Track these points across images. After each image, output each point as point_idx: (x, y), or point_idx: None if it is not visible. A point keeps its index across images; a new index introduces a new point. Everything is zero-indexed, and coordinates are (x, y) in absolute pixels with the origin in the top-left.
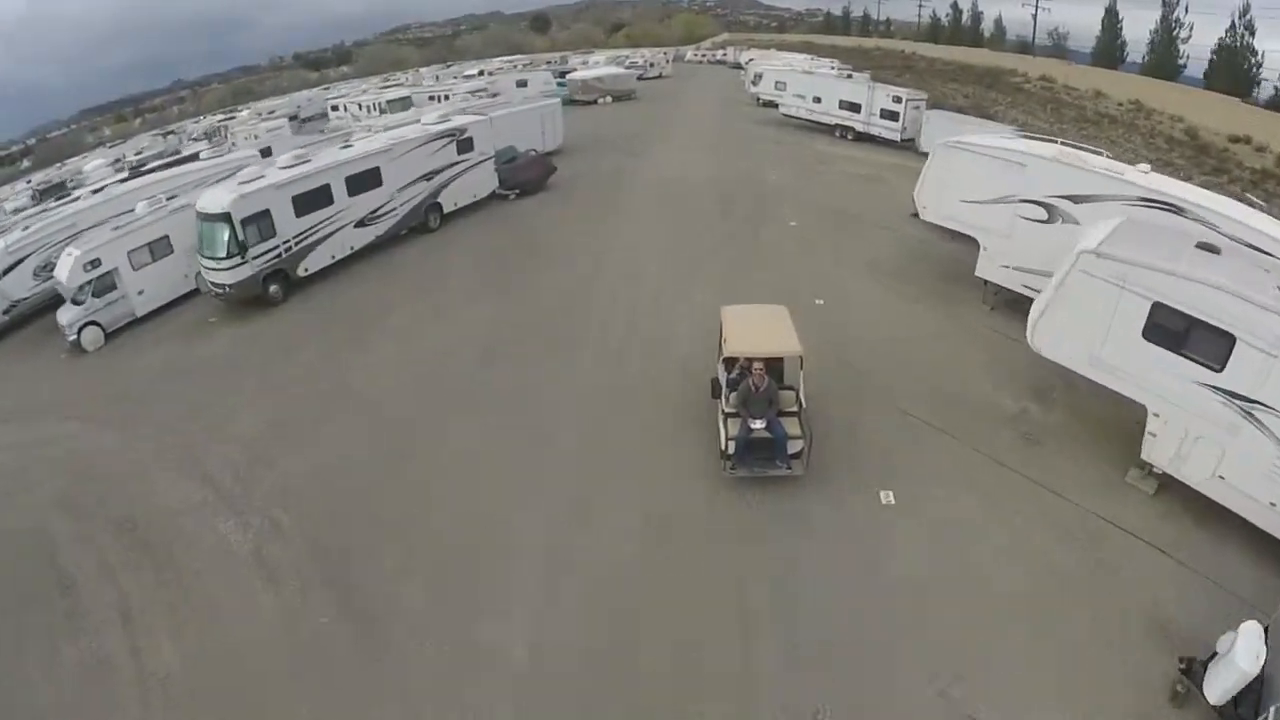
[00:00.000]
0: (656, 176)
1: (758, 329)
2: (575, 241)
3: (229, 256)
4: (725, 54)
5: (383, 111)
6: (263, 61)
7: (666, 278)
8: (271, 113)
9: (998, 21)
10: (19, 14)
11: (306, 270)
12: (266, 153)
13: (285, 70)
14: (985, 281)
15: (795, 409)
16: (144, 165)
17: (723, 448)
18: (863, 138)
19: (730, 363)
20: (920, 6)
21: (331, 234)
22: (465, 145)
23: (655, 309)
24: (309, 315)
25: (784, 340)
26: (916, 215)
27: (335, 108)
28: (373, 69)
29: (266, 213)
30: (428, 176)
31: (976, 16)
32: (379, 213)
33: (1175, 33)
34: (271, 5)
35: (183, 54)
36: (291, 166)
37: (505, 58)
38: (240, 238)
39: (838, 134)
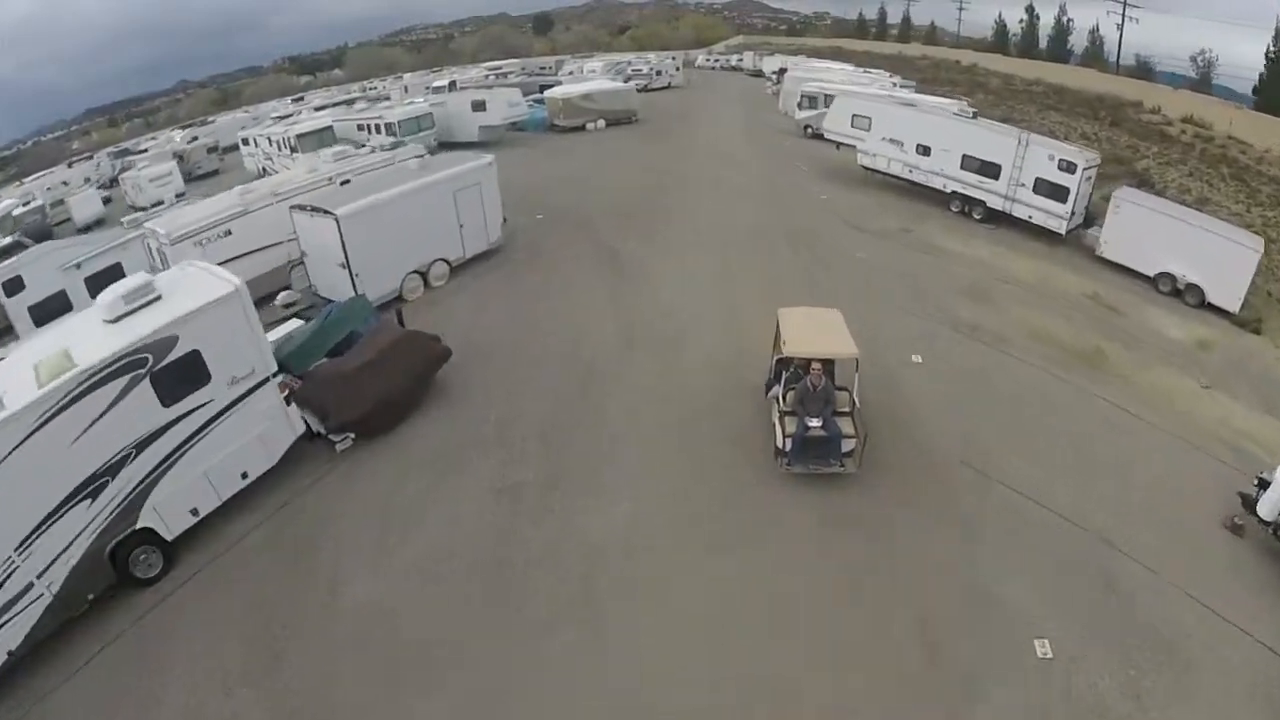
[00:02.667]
0: (670, 334)
1: (815, 330)
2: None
3: None
4: (741, 59)
5: (294, 150)
6: (265, 63)
7: None
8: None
9: (1093, 33)
10: (25, 14)
11: None
12: None
13: (274, 74)
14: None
15: (849, 409)
16: None
17: (779, 445)
18: (993, 217)
19: (784, 363)
20: (961, 9)
21: None
22: (185, 374)
23: None
24: None
25: (841, 342)
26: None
27: (246, 141)
28: (364, 73)
29: None
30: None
31: (1064, 25)
32: None
33: None
34: (280, 6)
35: (190, 55)
36: None
37: (489, 65)
38: None
39: (955, 208)
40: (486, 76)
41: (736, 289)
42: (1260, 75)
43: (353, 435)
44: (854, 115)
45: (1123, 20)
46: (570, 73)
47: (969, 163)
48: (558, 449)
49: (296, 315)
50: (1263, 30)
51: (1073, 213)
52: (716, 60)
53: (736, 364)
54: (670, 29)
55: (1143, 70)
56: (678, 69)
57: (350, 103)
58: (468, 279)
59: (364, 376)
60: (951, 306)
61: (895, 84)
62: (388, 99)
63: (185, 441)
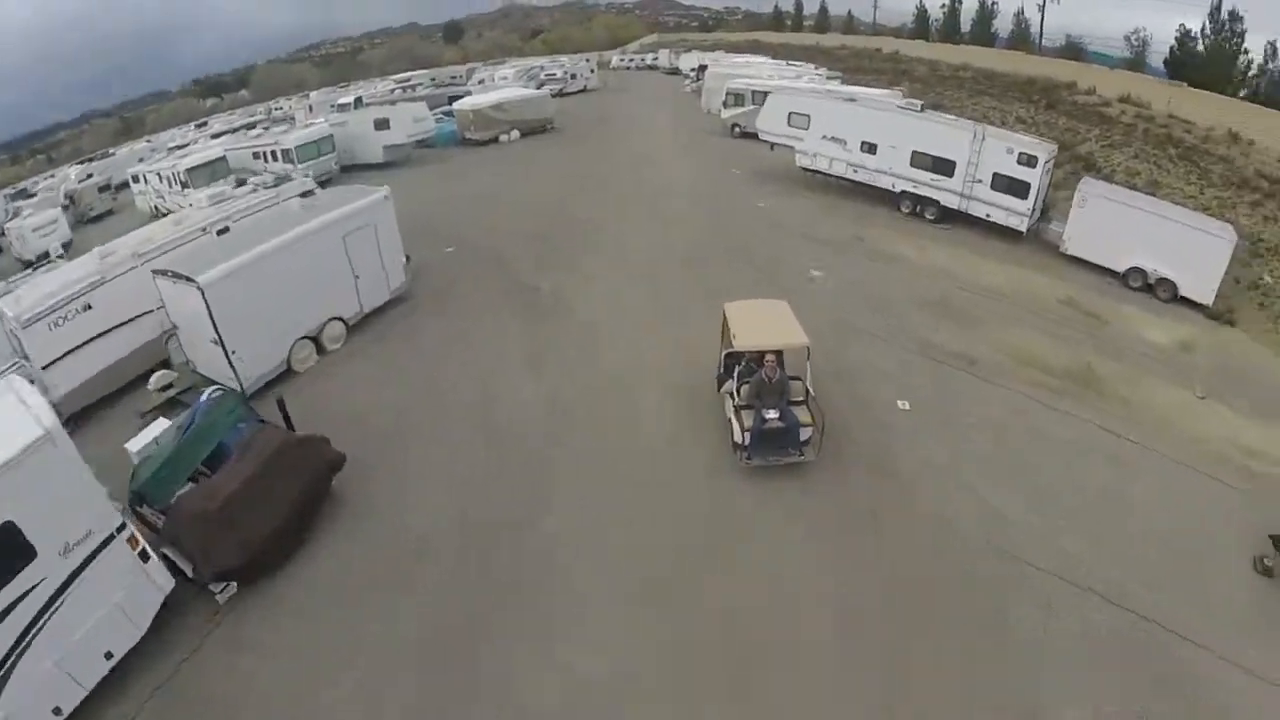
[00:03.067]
0: (607, 391)
1: (763, 322)
2: None
3: None
4: (656, 58)
5: (185, 186)
6: (174, 87)
7: None
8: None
9: (1019, 16)
10: None
11: None
12: None
13: (180, 98)
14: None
15: (803, 397)
16: None
17: (738, 440)
18: (947, 217)
19: (733, 357)
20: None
21: None
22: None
23: None
24: None
25: (791, 332)
26: None
27: (136, 178)
28: (271, 92)
29: None
30: None
31: (988, 8)
32: None
33: None
34: (188, 26)
35: (96, 82)
36: None
37: (398, 77)
38: None
39: (905, 208)
40: (392, 90)
41: (678, 326)
42: (1171, 49)
43: (224, 586)
44: (791, 113)
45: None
46: (481, 81)
47: (920, 160)
48: (489, 572)
49: (177, 398)
50: (1198, 8)
51: (1034, 209)
52: (631, 60)
53: (690, 423)
54: (583, 31)
55: (1073, 51)
56: (592, 71)
57: (251, 126)
58: (368, 339)
59: (236, 510)
60: (925, 329)
61: (823, 76)
62: (292, 120)
63: (23, 634)
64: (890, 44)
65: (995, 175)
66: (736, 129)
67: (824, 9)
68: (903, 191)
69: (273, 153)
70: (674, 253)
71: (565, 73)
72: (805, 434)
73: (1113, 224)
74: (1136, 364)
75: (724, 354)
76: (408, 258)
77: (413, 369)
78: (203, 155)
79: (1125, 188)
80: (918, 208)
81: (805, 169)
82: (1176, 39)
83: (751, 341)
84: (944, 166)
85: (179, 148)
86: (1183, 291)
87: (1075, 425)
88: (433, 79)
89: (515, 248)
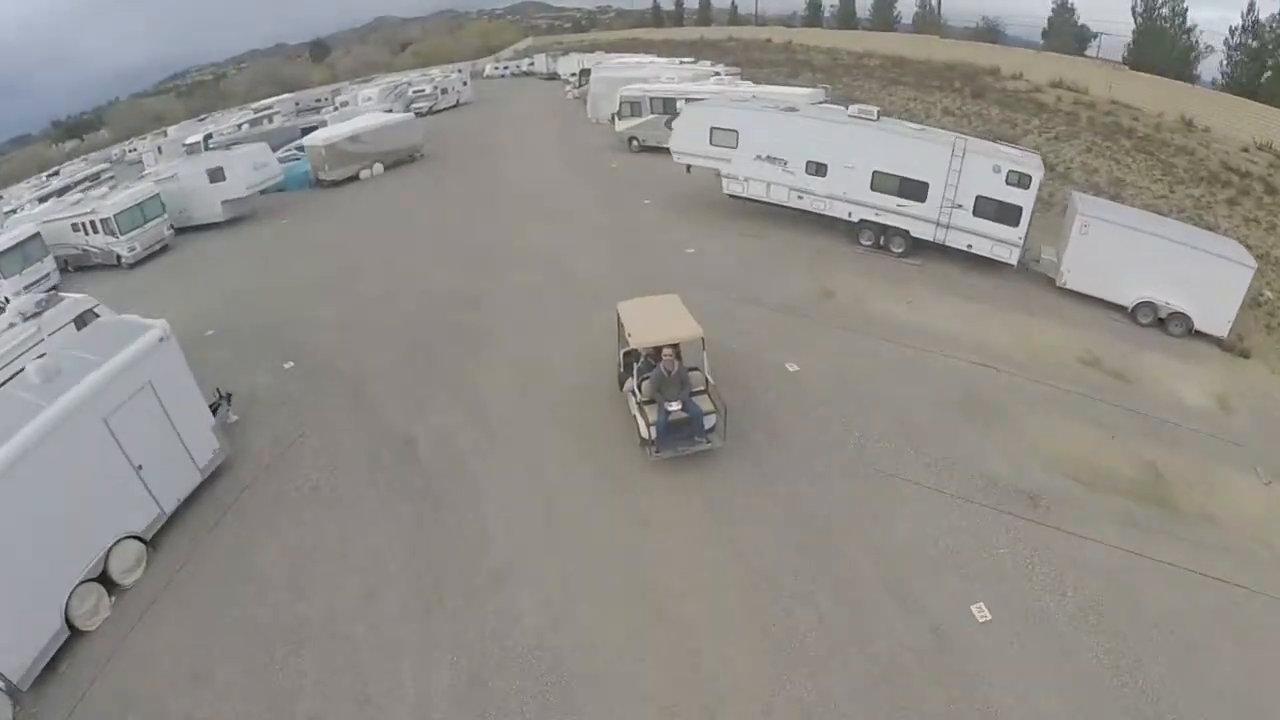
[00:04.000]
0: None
1: (657, 318)
2: None
3: None
4: (533, 63)
5: None
6: (35, 130)
7: None
8: None
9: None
10: None
11: None
12: None
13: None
14: None
15: (704, 387)
16: None
17: (644, 435)
18: (916, 247)
19: (632, 355)
20: None
21: None
22: None
23: None
24: None
25: (684, 325)
26: None
27: None
28: (130, 130)
29: None
30: None
31: None
32: None
33: None
34: (45, 61)
35: None
36: None
37: (258, 104)
38: None
39: (866, 241)
40: (240, 126)
41: (628, 513)
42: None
43: None
44: (713, 129)
45: None
46: (344, 104)
47: (883, 182)
48: None
49: None
50: None
51: (1026, 237)
52: (506, 67)
53: None
54: (455, 40)
55: (990, 33)
56: (465, 83)
57: (96, 178)
58: (177, 557)
59: None
60: (967, 449)
61: (723, 75)
62: (142, 164)
63: None
64: (781, 34)
65: (979, 199)
66: (635, 143)
67: (706, 2)
68: (862, 221)
69: (91, 224)
70: (589, 340)
71: (435, 88)
72: (710, 422)
73: (1117, 252)
74: (1194, 448)
75: (622, 353)
76: (227, 398)
77: (242, 621)
78: (11, 235)
79: (1113, 201)
80: (881, 239)
81: (734, 196)
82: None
83: (648, 338)
84: (914, 190)
85: (10, 213)
86: (1197, 325)
87: (1174, 579)
88: (296, 103)
89: (376, 358)
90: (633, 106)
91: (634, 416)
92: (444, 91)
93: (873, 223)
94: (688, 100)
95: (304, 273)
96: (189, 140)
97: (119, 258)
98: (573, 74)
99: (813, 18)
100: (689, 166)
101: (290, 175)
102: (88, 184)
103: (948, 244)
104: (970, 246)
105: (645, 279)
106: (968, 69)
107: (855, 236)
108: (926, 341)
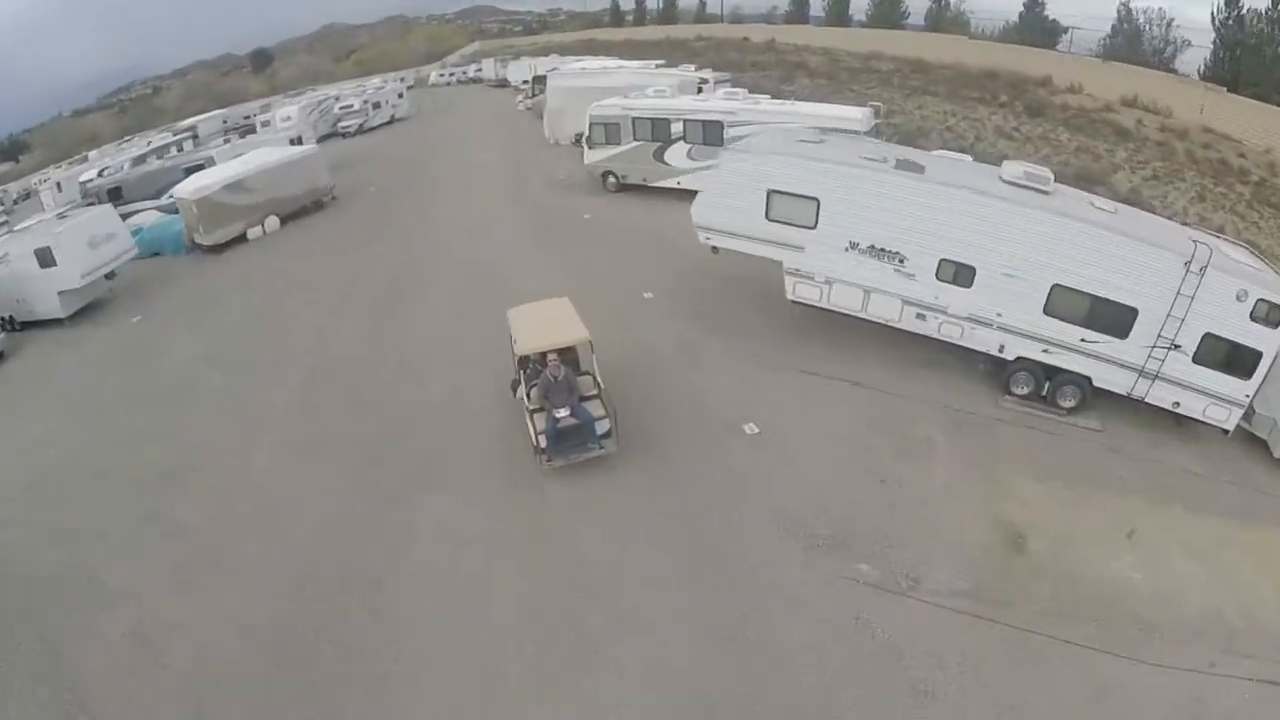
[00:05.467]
0: None
1: (543, 323)
2: None
3: None
4: (480, 69)
5: None
6: None
7: None
8: None
9: None
10: None
11: None
12: None
13: None
14: None
15: (595, 392)
16: None
17: (534, 442)
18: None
19: (526, 361)
20: None
21: None
22: None
23: None
24: None
25: (568, 329)
26: None
27: None
28: (60, 153)
29: None
30: None
31: None
32: None
33: None
34: None
35: None
36: None
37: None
38: None
39: (1020, 389)
40: (131, 161)
41: None
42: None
43: None
44: (773, 194)
45: None
46: (264, 124)
47: (1066, 303)
48: None
49: None
50: None
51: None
52: (452, 74)
53: None
54: (402, 45)
55: (1041, 33)
56: (401, 95)
57: None
58: None
59: None
60: None
61: (709, 80)
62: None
63: None
64: (761, 31)
65: (1207, 339)
66: (612, 180)
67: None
68: (1020, 360)
69: None
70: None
71: (366, 103)
72: (603, 427)
73: None
74: None
75: (516, 359)
76: None
77: None
78: None
79: None
80: (1044, 386)
81: (806, 304)
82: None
83: (532, 344)
84: (1114, 319)
85: None
86: None
87: None
88: (224, 121)
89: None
90: (608, 130)
91: (528, 425)
92: (376, 106)
93: (1036, 363)
94: (706, 123)
95: (123, 433)
96: (83, 178)
97: None
98: (524, 81)
99: (798, 13)
100: (716, 248)
101: (165, 236)
102: None
103: (1147, 399)
104: (1178, 405)
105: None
106: (1011, 77)
107: (1004, 382)
108: (1189, 642)
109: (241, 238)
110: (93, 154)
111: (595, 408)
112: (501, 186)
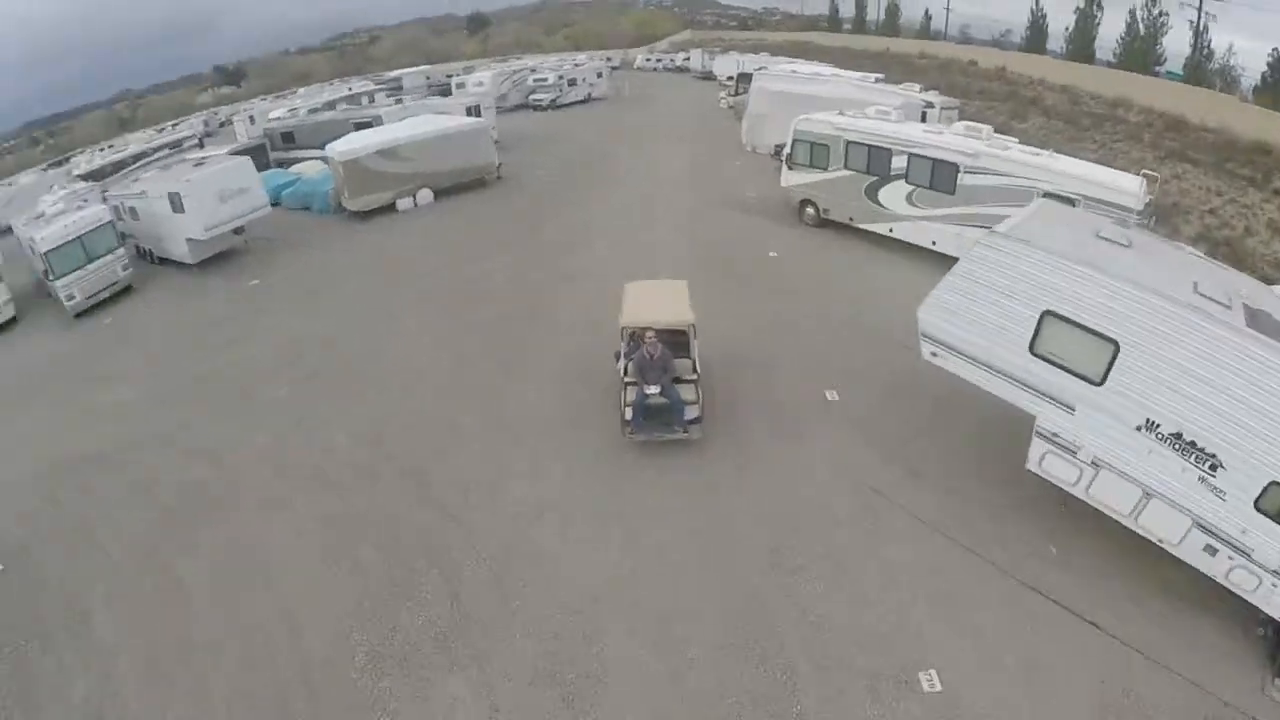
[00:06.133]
0: None
1: (652, 301)
2: None
3: None
4: (689, 58)
5: None
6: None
7: None
8: None
9: (1199, 32)
10: None
11: None
12: None
13: (184, 90)
14: None
15: (692, 377)
16: None
17: (622, 413)
18: None
19: (631, 335)
20: None
21: None
22: None
23: None
24: None
25: (675, 311)
26: None
27: None
28: (272, 85)
29: None
30: None
31: (1153, 21)
32: None
33: None
34: (229, 9)
35: (138, 61)
36: None
37: (377, 78)
38: None
39: None
40: (313, 108)
41: None
42: None
43: None
44: (1055, 317)
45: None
46: (459, 86)
47: None
48: None
49: None
50: None
51: None
52: (659, 60)
53: None
54: (610, 24)
55: None
56: (601, 75)
57: (177, 145)
58: None
59: None
60: None
61: (934, 104)
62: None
63: None
64: (991, 56)
65: None
66: (809, 212)
67: (893, 7)
68: None
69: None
70: None
71: (561, 78)
72: (691, 412)
73: None
74: None
75: (622, 330)
76: None
77: None
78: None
79: None
80: None
81: (1050, 480)
82: None
83: (634, 318)
84: None
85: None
86: None
87: None
88: (427, 77)
89: None
90: (814, 151)
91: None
92: (571, 83)
93: None
94: (937, 163)
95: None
96: (272, 115)
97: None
98: (729, 77)
99: (1035, 41)
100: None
101: (315, 192)
102: (167, 152)
103: None
104: None
105: None
106: None
107: None
108: None
109: (390, 207)
110: (301, 91)
111: (688, 392)
112: (681, 196)
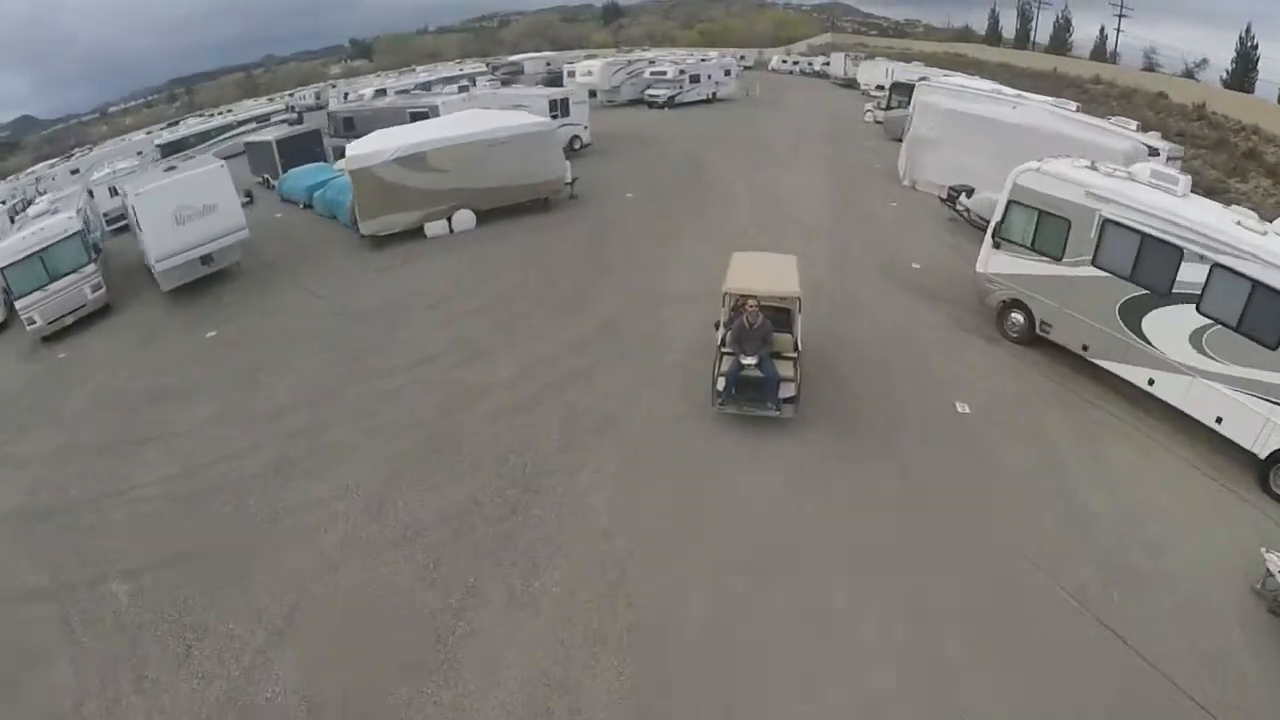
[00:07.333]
0: None
1: (759, 270)
2: None
3: None
4: (828, 63)
5: None
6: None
7: None
8: None
9: None
10: None
11: None
12: None
13: (309, 62)
14: None
15: (793, 354)
16: None
17: (713, 382)
18: None
19: (733, 304)
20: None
21: None
22: None
23: None
24: None
25: (781, 282)
26: None
27: None
28: (398, 61)
29: None
30: None
31: None
32: None
33: None
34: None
35: (285, 28)
36: None
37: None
38: None
39: None
40: (381, 93)
41: None
42: None
43: None
44: None
45: None
46: (570, 74)
47: None
48: None
49: None
50: None
51: None
52: (795, 63)
53: None
54: (745, 22)
55: None
56: (728, 72)
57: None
58: None
59: None
60: None
61: (1160, 151)
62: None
63: None
64: (1186, 90)
65: None
66: (1016, 320)
67: (1064, 24)
68: None
69: None
70: None
71: (683, 73)
72: (786, 390)
73: None
74: None
75: (725, 297)
76: None
77: None
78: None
79: None
80: None
81: None
82: None
83: (737, 285)
84: None
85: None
86: None
87: None
88: (547, 64)
89: None
90: (1041, 223)
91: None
92: (695, 79)
93: None
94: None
95: None
96: (352, 97)
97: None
98: (879, 86)
99: (1241, 77)
100: None
101: (340, 201)
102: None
103: None
104: None
105: None
106: None
107: None
108: None
109: (419, 230)
110: (420, 69)
111: (786, 369)
112: (813, 253)
